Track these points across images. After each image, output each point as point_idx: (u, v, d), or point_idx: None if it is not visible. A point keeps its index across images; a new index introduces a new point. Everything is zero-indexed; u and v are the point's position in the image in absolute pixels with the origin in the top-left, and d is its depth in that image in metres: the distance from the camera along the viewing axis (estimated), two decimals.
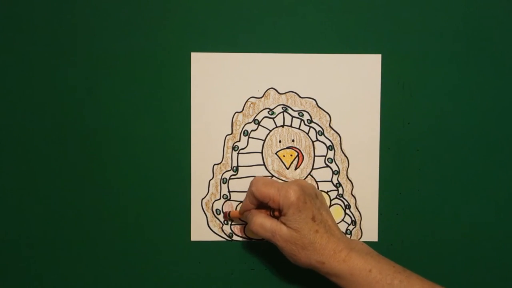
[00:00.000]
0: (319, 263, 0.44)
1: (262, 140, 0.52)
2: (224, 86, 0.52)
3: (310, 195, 0.45)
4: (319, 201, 0.46)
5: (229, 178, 0.53)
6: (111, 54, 0.52)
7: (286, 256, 0.46)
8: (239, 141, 0.52)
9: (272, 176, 0.52)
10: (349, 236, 0.53)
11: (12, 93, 0.52)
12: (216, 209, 0.53)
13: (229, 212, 0.52)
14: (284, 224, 0.45)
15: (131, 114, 0.52)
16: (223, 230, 0.53)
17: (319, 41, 0.52)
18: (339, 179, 0.52)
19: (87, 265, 0.53)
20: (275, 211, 0.46)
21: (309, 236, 0.44)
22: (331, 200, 0.53)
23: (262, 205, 0.47)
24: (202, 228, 0.53)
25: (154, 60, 0.52)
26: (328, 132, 0.52)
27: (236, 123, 0.52)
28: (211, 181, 0.52)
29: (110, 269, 0.53)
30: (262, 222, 0.46)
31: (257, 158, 0.52)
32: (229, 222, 0.53)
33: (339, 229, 0.46)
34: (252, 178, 0.49)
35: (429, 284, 0.42)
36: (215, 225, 0.53)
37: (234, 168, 0.52)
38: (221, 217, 0.53)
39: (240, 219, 0.52)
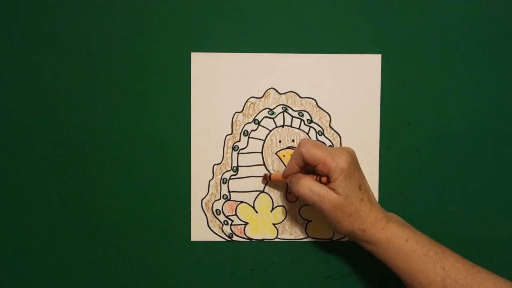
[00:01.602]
0: (360, 230, 0.44)
1: (262, 140, 0.52)
2: (224, 86, 0.52)
3: (357, 163, 0.46)
4: (361, 170, 0.47)
5: (229, 178, 0.53)
6: (111, 54, 0.52)
7: (330, 222, 0.46)
8: (239, 141, 0.52)
9: None
10: None
11: (12, 93, 0.52)
12: (216, 209, 0.53)
13: (270, 174, 0.51)
14: (333, 190, 0.45)
15: (131, 114, 0.52)
16: (223, 230, 0.53)
17: (319, 41, 0.52)
18: None
19: (87, 265, 0.53)
20: (322, 177, 0.46)
21: (355, 204, 0.44)
22: None
23: (306, 170, 0.47)
24: (202, 228, 0.53)
25: (154, 60, 0.52)
26: (328, 132, 0.52)
27: (236, 123, 0.52)
28: (211, 181, 0.52)
29: (110, 269, 0.53)
30: (311, 186, 0.45)
31: (257, 158, 0.52)
32: (229, 222, 0.53)
33: (376, 200, 0.47)
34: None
35: (463, 259, 0.43)
36: (215, 225, 0.53)
37: (234, 168, 0.52)
38: (221, 217, 0.53)
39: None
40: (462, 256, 0.43)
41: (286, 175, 0.49)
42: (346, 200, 0.44)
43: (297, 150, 0.46)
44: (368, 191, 0.46)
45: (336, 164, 0.44)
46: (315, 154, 0.45)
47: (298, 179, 0.46)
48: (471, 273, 0.41)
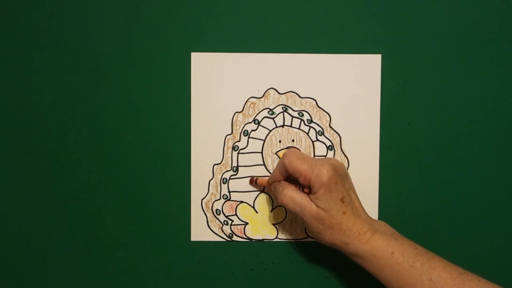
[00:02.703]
0: (343, 243, 0.44)
1: (262, 140, 0.52)
2: (224, 86, 0.52)
3: (341, 175, 0.45)
4: (348, 182, 0.46)
5: (229, 178, 0.53)
6: (111, 54, 0.52)
7: (311, 233, 0.46)
8: (239, 141, 0.52)
9: None
10: None
11: (12, 94, 0.52)
12: (216, 209, 0.53)
13: (257, 178, 0.52)
14: (314, 202, 0.44)
15: (131, 114, 0.52)
16: (223, 230, 0.53)
17: (319, 41, 0.52)
18: None
19: (87, 265, 0.53)
20: (305, 188, 0.46)
21: (336, 217, 0.44)
22: None
23: (291, 178, 0.47)
24: (202, 228, 0.53)
25: (154, 60, 0.52)
26: (328, 132, 0.52)
27: (236, 123, 0.52)
28: (211, 181, 0.52)
29: (110, 269, 0.53)
30: (293, 196, 0.45)
31: (257, 158, 0.52)
32: (229, 222, 0.53)
33: (364, 210, 0.46)
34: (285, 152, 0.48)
35: (451, 266, 0.42)
36: (215, 225, 0.53)
37: (234, 168, 0.52)
38: (221, 217, 0.53)
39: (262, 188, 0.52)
40: (450, 263, 0.43)
41: (270, 183, 0.49)
42: (326, 213, 0.44)
43: (281, 161, 0.47)
44: (352, 203, 0.45)
45: (316, 177, 0.44)
46: (296, 166, 0.45)
47: (282, 188, 0.47)
48: (458, 282, 0.41)
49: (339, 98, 0.52)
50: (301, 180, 0.45)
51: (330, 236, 0.44)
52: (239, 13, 0.52)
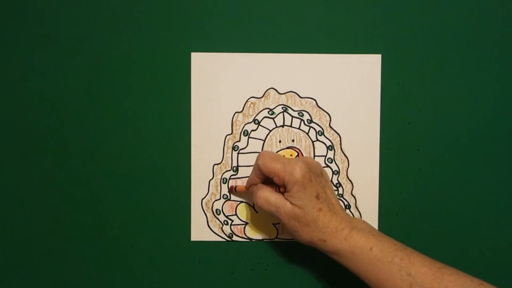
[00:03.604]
0: (320, 240, 0.44)
1: (262, 140, 0.52)
2: (224, 86, 0.52)
3: (315, 173, 0.45)
4: (324, 179, 0.46)
5: (229, 178, 0.53)
6: (111, 54, 0.52)
7: (289, 232, 0.46)
8: (239, 141, 0.52)
9: None
10: None
11: (12, 94, 0.52)
12: (216, 209, 0.53)
13: (236, 186, 0.52)
14: (289, 200, 0.45)
15: (131, 114, 0.52)
16: (223, 230, 0.53)
17: (319, 41, 0.52)
18: (339, 179, 0.52)
19: (87, 265, 0.53)
20: (281, 187, 0.46)
21: (312, 214, 0.44)
22: None
23: (267, 180, 0.47)
24: (202, 228, 0.53)
25: (154, 60, 0.52)
26: (328, 132, 0.52)
27: (236, 123, 0.52)
28: (211, 181, 0.52)
29: (110, 269, 0.53)
30: (267, 197, 0.46)
31: None
32: (229, 222, 0.53)
33: (341, 207, 0.46)
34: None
35: (430, 261, 0.42)
36: (215, 225, 0.53)
37: (234, 168, 0.52)
38: (221, 217, 0.53)
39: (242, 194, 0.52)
40: (429, 258, 0.43)
41: (247, 187, 0.50)
42: (301, 210, 0.44)
43: (255, 163, 0.47)
44: (329, 200, 0.45)
45: (289, 175, 0.44)
46: (269, 166, 0.45)
47: (257, 190, 0.47)
48: (437, 277, 0.41)
49: (339, 98, 0.52)
50: (276, 179, 0.45)
51: (307, 234, 0.44)
52: (239, 13, 0.52)
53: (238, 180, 0.52)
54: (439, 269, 0.41)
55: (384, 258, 0.42)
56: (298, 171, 0.44)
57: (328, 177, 0.47)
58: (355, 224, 0.45)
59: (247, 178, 0.52)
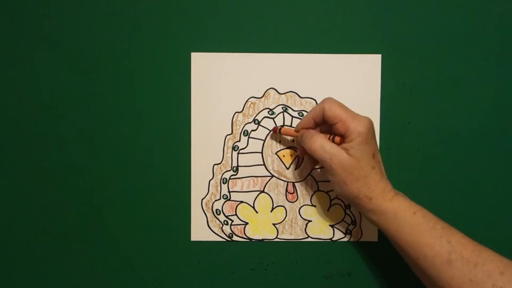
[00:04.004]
0: (366, 197, 0.44)
1: (262, 140, 0.52)
2: (224, 86, 0.52)
3: (374, 134, 0.46)
4: (377, 144, 0.46)
5: (229, 178, 0.53)
6: (111, 54, 0.52)
7: (335, 183, 0.45)
8: (239, 141, 0.52)
9: (272, 176, 0.52)
10: (348, 236, 0.53)
11: (12, 94, 0.52)
12: (216, 209, 0.53)
13: (281, 127, 0.51)
14: (346, 151, 0.44)
15: (131, 114, 0.52)
16: (223, 230, 0.53)
17: (319, 41, 0.52)
18: None
19: (87, 265, 0.53)
20: (336, 137, 0.46)
21: (366, 169, 0.44)
22: (331, 200, 0.53)
23: (321, 127, 0.47)
24: (202, 228, 0.53)
25: (154, 60, 0.52)
26: None
27: (236, 123, 0.52)
28: (211, 181, 0.52)
29: (111, 269, 0.53)
30: (323, 143, 0.45)
31: (257, 158, 0.52)
32: (229, 222, 0.53)
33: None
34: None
35: (470, 238, 0.42)
36: (215, 225, 0.53)
37: (234, 168, 0.52)
38: (221, 217, 0.53)
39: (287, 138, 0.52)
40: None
41: (299, 129, 0.49)
42: (357, 163, 0.44)
43: (319, 106, 0.46)
44: (381, 163, 0.46)
45: (356, 125, 0.44)
46: (336, 111, 0.45)
47: (311, 135, 0.46)
48: (476, 249, 0.41)
49: (339, 98, 0.52)
50: (338, 126, 0.45)
51: (356, 188, 0.44)
52: (239, 13, 0.52)
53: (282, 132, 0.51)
54: (478, 245, 0.42)
55: (426, 224, 0.43)
56: (365, 123, 0.44)
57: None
58: (399, 192, 0.45)
59: (247, 178, 0.52)
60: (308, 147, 0.46)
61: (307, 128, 0.48)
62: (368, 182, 0.44)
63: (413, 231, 0.43)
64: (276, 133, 0.51)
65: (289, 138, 0.52)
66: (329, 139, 0.46)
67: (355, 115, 0.45)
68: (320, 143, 0.45)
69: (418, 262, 0.43)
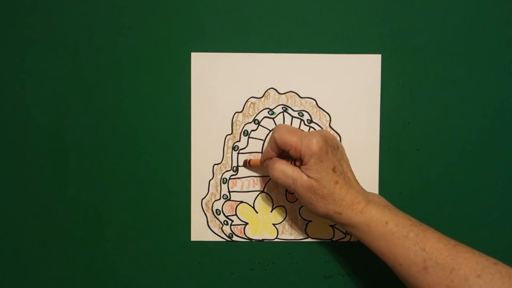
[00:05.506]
0: (336, 213, 0.44)
1: (262, 140, 0.52)
2: (224, 86, 0.52)
3: (332, 146, 0.45)
4: (339, 153, 0.46)
5: (229, 178, 0.53)
6: (111, 54, 0.52)
7: (304, 204, 0.46)
8: (239, 141, 0.52)
9: None
10: (348, 236, 0.53)
11: (12, 94, 0.52)
12: (216, 209, 0.53)
13: (250, 160, 0.52)
14: (305, 173, 0.45)
15: (131, 114, 0.52)
16: (223, 230, 0.53)
17: (319, 41, 0.52)
18: None
19: (87, 265, 0.53)
20: (297, 161, 0.46)
21: (328, 187, 0.44)
22: None
23: (282, 154, 0.48)
24: (202, 228, 0.53)
25: (154, 60, 0.52)
26: None
27: (236, 123, 0.52)
28: (211, 181, 0.52)
29: (110, 269, 0.53)
30: (284, 169, 0.46)
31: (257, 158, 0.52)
32: (229, 222, 0.53)
33: (357, 181, 0.46)
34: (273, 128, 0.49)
35: (445, 238, 0.42)
36: (215, 225, 0.53)
37: (234, 168, 0.52)
38: (221, 217, 0.53)
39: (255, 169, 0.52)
40: (444, 235, 0.43)
41: (262, 161, 0.50)
42: (318, 183, 0.44)
43: (271, 136, 0.47)
44: (345, 173, 0.45)
45: (306, 147, 0.44)
46: (286, 139, 0.45)
47: (273, 163, 0.47)
48: (452, 253, 0.41)
49: (339, 98, 0.52)
50: (292, 152, 0.45)
51: (323, 207, 0.44)
52: (239, 13, 0.52)
53: (250, 155, 0.52)
54: (454, 246, 0.41)
55: (399, 233, 0.42)
56: (315, 143, 0.44)
57: (344, 150, 0.47)
58: (371, 198, 0.45)
59: (247, 178, 0.52)
60: (271, 175, 0.47)
61: (270, 158, 0.48)
62: (334, 198, 0.44)
63: (386, 242, 0.42)
64: (247, 166, 0.52)
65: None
66: (291, 163, 0.46)
67: (304, 136, 0.45)
68: (281, 170, 0.46)
69: (395, 271, 0.43)
